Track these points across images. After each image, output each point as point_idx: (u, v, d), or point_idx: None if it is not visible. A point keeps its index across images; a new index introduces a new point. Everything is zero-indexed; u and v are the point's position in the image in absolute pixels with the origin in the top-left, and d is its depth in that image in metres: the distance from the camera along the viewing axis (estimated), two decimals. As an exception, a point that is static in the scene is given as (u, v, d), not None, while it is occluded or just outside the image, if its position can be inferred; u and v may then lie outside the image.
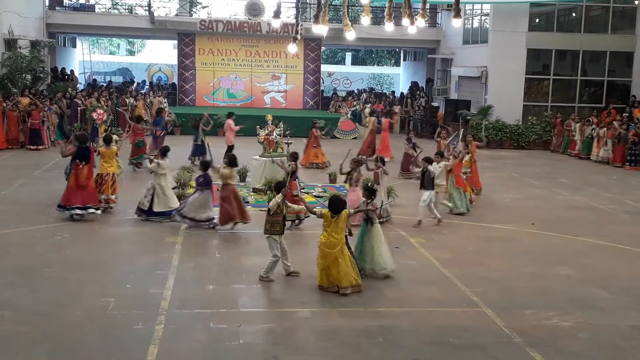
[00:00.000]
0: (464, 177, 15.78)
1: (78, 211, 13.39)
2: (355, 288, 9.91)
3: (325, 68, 40.81)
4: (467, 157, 16.34)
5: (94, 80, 37.00)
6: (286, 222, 10.78)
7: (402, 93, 37.27)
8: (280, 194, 10.30)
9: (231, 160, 13.44)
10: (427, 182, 13.89)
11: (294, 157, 14.27)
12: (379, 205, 11.53)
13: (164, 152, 14.17)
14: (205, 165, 13.50)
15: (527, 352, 8.11)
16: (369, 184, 11.73)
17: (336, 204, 9.87)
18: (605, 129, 24.39)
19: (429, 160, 14.22)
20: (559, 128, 26.84)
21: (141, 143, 19.47)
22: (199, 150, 19.47)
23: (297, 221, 13.37)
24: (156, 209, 13.61)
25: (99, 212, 13.68)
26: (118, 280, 10.23)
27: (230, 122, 20.27)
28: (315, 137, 21.10)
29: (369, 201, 10.84)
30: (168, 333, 8.29)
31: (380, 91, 40.14)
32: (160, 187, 13.65)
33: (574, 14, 30.45)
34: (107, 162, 14.33)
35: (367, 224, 10.71)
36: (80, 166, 13.40)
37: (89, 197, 13.50)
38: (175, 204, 13.70)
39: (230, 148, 18.94)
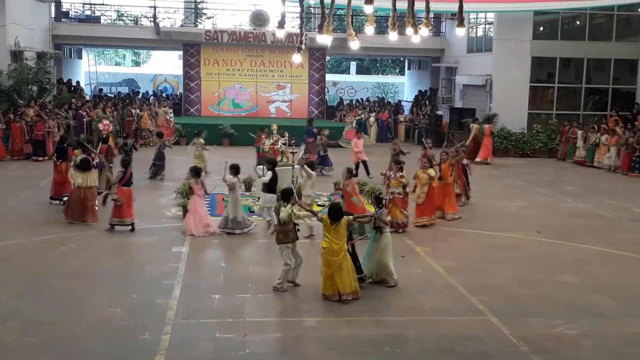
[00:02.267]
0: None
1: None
2: (355, 295, 9.96)
3: (330, 77, 40.88)
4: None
5: (101, 90, 37.14)
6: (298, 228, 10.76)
7: (416, 96, 36.99)
8: (289, 204, 10.41)
9: (236, 169, 13.87)
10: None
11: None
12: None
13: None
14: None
15: (533, 361, 8.11)
16: (378, 193, 11.69)
17: (335, 212, 9.90)
18: (607, 135, 24.36)
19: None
20: (567, 136, 26.79)
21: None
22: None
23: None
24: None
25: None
26: (124, 290, 10.26)
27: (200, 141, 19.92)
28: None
29: (378, 210, 10.83)
30: (174, 343, 8.31)
31: (384, 99, 40.08)
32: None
33: (578, 22, 30.45)
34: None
35: (377, 232, 10.72)
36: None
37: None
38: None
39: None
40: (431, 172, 14.73)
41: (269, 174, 13.73)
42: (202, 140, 19.66)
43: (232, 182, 13.66)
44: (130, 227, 13.67)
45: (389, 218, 12.87)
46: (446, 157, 15.89)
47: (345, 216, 9.96)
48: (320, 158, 20.70)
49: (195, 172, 14.01)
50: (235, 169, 13.90)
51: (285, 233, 10.32)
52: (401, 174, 14.23)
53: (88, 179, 14.29)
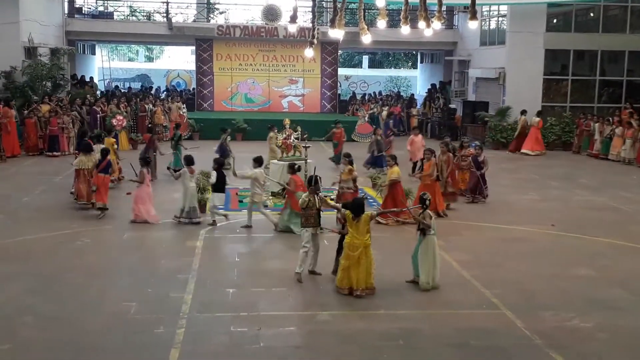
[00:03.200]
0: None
1: None
2: (370, 291, 9.96)
3: (342, 71, 40.83)
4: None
5: (116, 87, 37.29)
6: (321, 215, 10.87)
7: (429, 89, 36.95)
8: (307, 192, 10.77)
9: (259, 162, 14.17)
10: None
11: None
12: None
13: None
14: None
15: (547, 354, 8.10)
16: (422, 193, 11.31)
17: (357, 207, 9.92)
18: (622, 128, 24.19)
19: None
20: (582, 128, 26.63)
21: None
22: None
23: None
24: None
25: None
26: (139, 285, 10.31)
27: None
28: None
29: (421, 211, 10.56)
30: (189, 337, 8.35)
31: (399, 93, 39.98)
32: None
33: (591, 14, 30.22)
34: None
35: (421, 234, 10.45)
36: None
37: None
38: None
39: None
40: (394, 171, 14.33)
41: (214, 175, 14.03)
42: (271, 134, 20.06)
43: (183, 174, 14.19)
44: (101, 214, 14.41)
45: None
46: (429, 155, 15.23)
47: (366, 212, 9.97)
48: (374, 158, 20.29)
49: (144, 161, 14.70)
50: (258, 162, 14.16)
51: (307, 217, 10.63)
52: (350, 167, 14.12)
53: (89, 161, 15.13)
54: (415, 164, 19.92)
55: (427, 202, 10.66)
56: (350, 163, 14.35)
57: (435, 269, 10.38)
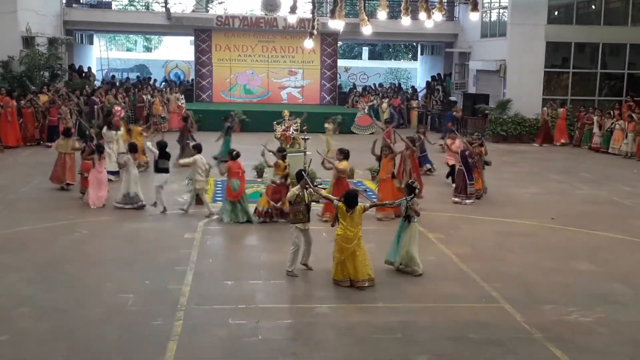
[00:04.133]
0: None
1: None
2: (371, 282, 9.94)
3: (342, 63, 40.70)
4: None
5: (113, 77, 37.16)
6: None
7: (427, 82, 36.90)
8: (298, 186, 10.51)
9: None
10: None
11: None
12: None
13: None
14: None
15: (547, 348, 8.06)
16: (411, 182, 11.46)
17: (351, 199, 9.86)
18: (623, 121, 24.13)
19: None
20: (583, 122, 26.58)
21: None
22: None
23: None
24: None
25: None
26: (137, 277, 10.27)
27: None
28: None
29: (409, 198, 10.66)
30: (187, 329, 8.32)
31: (399, 85, 39.86)
32: None
33: (593, 7, 30.11)
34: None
35: (405, 220, 10.62)
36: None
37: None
38: None
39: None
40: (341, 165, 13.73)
41: (157, 154, 14.37)
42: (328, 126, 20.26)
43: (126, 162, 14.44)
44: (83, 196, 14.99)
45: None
46: (387, 152, 14.52)
47: (360, 204, 9.92)
48: (418, 158, 17.50)
49: (198, 148, 14.65)
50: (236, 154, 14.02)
51: (295, 213, 10.43)
52: (281, 161, 13.65)
53: (68, 145, 15.92)
54: (452, 168, 17.36)
55: (416, 190, 10.93)
56: (284, 158, 13.66)
57: (414, 254, 10.57)
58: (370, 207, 10.54)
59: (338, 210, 9.95)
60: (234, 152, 13.82)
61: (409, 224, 10.58)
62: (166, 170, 14.46)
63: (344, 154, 13.76)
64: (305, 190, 10.47)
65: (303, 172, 10.68)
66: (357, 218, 9.85)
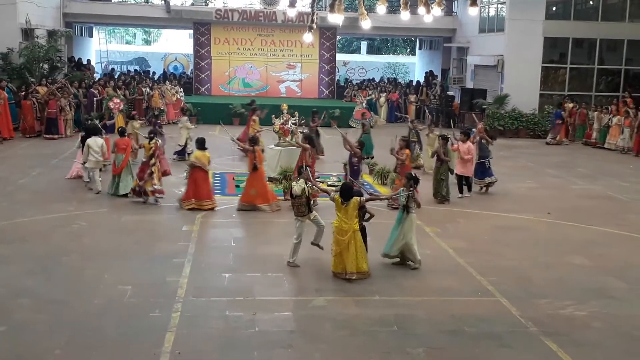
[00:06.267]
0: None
1: None
2: (361, 275, 9.99)
3: (340, 57, 40.66)
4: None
5: (112, 69, 37.11)
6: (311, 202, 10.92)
7: (418, 81, 37.10)
8: (301, 178, 10.67)
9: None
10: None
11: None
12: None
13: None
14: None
15: (542, 342, 8.12)
16: (412, 173, 11.59)
17: (346, 192, 9.92)
18: (620, 116, 24.18)
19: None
20: (574, 117, 26.61)
21: None
22: None
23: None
24: None
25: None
26: (135, 269, 10.31)
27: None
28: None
29: (409, 190, 10.75)
30: (184, 321, 8.37)
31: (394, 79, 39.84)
32: None
33: (591, 2, 30.19)
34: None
35: (404, 212, 10.68)
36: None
37: None
38: None
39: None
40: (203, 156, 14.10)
41: (78, 141, 15.71)
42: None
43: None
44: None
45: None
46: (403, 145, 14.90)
47: (355, 197, 9.98)
48: (477, 165, 16.38)
49: (254, 141, 14.68)
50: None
51: (298, 207, 10.57)
52: (145, 142, 14.52)
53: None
54: (463, 179, 15.82)
55: (418, 181, 11.15)
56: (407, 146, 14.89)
57: (413, 246, 10.64)
58: (367, 200, 10.57)
59: (335, 203, 10.02)
60: (120, 129, 15.37)
61: (408, 215, 10.64)
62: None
63: (200, 143, 14.22)
64: (305, 185, 10.62)
65: (302, 168, 10.90)
66: (352, 211, 9.90)
